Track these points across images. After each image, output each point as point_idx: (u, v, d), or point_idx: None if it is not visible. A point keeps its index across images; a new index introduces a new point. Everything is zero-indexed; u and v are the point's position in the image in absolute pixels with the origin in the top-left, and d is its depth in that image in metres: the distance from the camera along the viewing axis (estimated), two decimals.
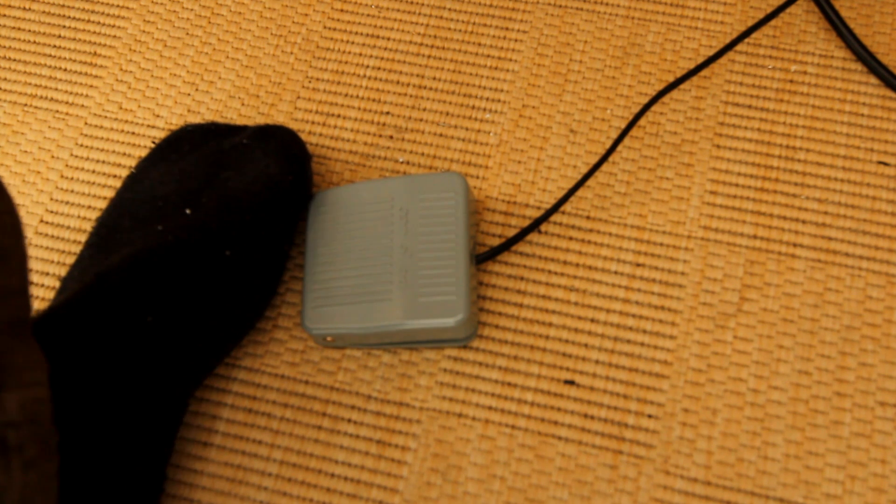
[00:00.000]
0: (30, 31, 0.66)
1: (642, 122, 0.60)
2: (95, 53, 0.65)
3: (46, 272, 0.59)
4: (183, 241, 0.51)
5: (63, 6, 0.67)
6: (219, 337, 0.52)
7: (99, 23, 0.66)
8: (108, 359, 0.48)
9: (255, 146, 0.56)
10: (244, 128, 0.58)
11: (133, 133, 0.62)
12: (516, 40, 0.63)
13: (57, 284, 0.58)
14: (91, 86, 0.64)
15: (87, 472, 0.46)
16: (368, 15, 0.65)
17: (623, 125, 0.60)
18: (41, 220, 0.60)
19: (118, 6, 0.66)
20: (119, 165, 0.62)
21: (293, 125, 0.62)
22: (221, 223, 0.52)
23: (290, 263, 0.58)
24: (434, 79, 0.62)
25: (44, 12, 0.67)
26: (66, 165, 0.62)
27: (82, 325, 0.48)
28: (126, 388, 0.48)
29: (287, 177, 0.55)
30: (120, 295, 0.49)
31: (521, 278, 0.56)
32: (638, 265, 0.56)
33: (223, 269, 0.51)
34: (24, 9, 0.67)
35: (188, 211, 0.53)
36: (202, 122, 0.60)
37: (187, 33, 0.65)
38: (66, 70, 0.65)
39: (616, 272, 0.56)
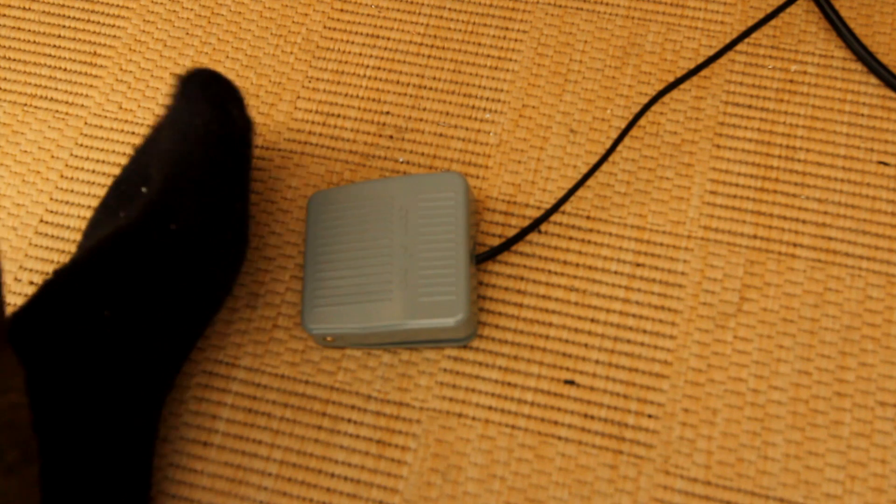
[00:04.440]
0: (30, 31, 0.66)
1: (642, 122, 0.60)
2: (95, 53, 0.65)
3: (46, 272, 0.59)
4: (130, 224, 0.49)
5: (63, 6, 0.67)
6: (183, 319, 0.50)
7: (99, 23, 0.66)
8: (69, 359, 0.46)
9: (179, 95, 0.53)
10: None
11: (133, 133, 0.62)
12: (516, 40, 0.63)
13: None
14: (91, 86, 0.64)
15: (63, 478, 0.45)
16: (368, 15, 0.65)
17: (623, 125, 0.60)
18: (41, 220, 0.60)
19: (118, 6, 0.66)
20: (119, 165, 0.62)
21: (293, 125, 0.62)
22: (162, 196, 0.49)
23: (291, 263, 0.58)
24: (434, 79, 0.62)
25: (44, 12, 0.67)
26: (66, 165, 0.62)
27: (43, 327, 0.46)
28: (96, 386, 0.46)
29: (211, 126, 0.51)
30: (73, 293, 0.47)
31: (521, 278, 0.56)
32: (638, 265, 0.56)
33: (172, 245, 0.49)
34: (24, 9, 0.67)
35: (144, 189, 0.50)
36: None
37: (187, 33, 0.65)
38: (66, 70, 0.65)
39: (616, 272, 0.56)
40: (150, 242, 0.48)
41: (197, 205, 0.50)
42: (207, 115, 0.52)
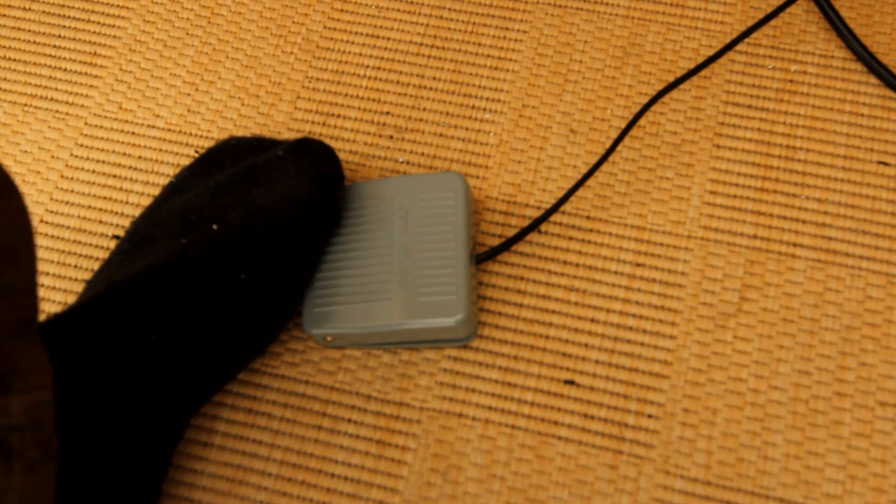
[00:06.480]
0: (30, 31, 0.66)
1: (642, 122, 0.60)
2: (95, 53, 0.65)
3: (46, 272, 0.59)
4: (200, 258, 0.50)
5: (63, 6, 0.67)
6: (224, 360, 0.51)
7: (99, 23, 0.66)
8: (105, 372, 0.47)
9: (289, 160, 0.54)
10: (284, 141, 0.56)
11: (133, 133, 0.62)
12: (516, 40, 0.63)
13: (56, 284, 0.58)
14: (91, 86, 0.64)
15: (80, 483, 0.46)
16: (368, 15, 0.65)
17: (623, 125, 0.60)
18: (41, 220, 0.61)
19: (118, 6, 0.67)
20: (119, 165, 0.62)
21: (293, 125, 0.62)
22: (241, 244, 0.51)
23: None
24: (434, 79, 0.62)
25: (44, 12, 0.67)
26: (66, 165, 0.62)
27: (85, 335, 0.47)
28: (122, 402, 0.47)
29: (315, 198, 0.53)
30: (125, 310, 0.48)
31: (521, 278, 0.56)
32: (638, 265, 0.56)
33: (235, 293, 0.50)
34: (24, 9, 0.67)
35: (215, 227, 0.51)
36: (248, 135, 0.60)
37: (187, 33, 0.65)
38: (66, 70, 0.65)
39: (616, 272, 0.56)
40: (216, 283, 0.50)
41: (272, 264, 0.51)
42: (314, 188, 0.53)
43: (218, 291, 0.50)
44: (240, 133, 0.62)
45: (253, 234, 0.51)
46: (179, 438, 0.52)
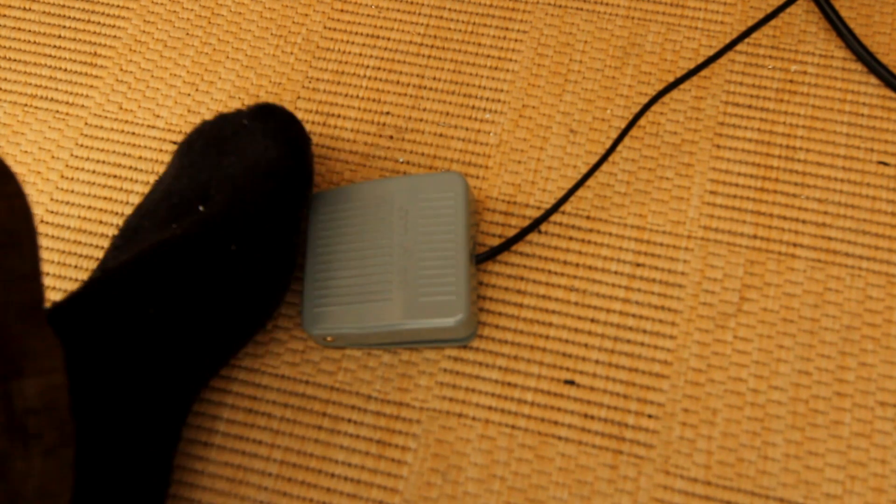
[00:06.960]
0: (30, 31, 0.66)
1: (642, 122, 0.60)
2: (95, 53, 0.65)
3: (47, 272, 0.59)
4: (189, 235, 0.51)
5: (63, 6, 0.67)
6: (226, 331, 0.52)
7: (99, 23, 0.66)
8: (109, 350, 0.47)
9: (255, 128, 0.55)
10: (245, 110, 0.58)
11: (133, 133, 0.63)
12: (516, 40, 0.63)
13: (57, 284, 0.58)
14: (91, 86, 0.64)
15: (93, 462, 0.46)
16: (368, 15, 0.65)
17: (623, 125, 0.60)
18: (41, 220, 0.61)
19: (118, 6, 0.67)
20: (119, 165, 0.62)
21: None
22: (226, 217, 0.52)
23: None
24: (434, 79, 0.62)
25: (44, 12, 0.67)
26: (66, 165, 0.62)
27: (83, 317, 0.48)
28: (129, 378, 0.48)
29: (288, 162, 0.54)
30: (121, 288, 0.49)
31: (521, 278, 0.56)
32: (638, 265, 0.56)
33: (229, 264, 0.51)
34: (24, 9, 0.67)
35: (201, 207, 0.52)
36: (214, 116, 0.60)
37: (187, 33, 0.65)
38: (66, 70, 0.65)
39: (616, 272, 0.56)
40: (208, 257, 0.50)
41: (259, 232, 0.52)
42: (283, 151, 0.54)
43: (210, 264, 0.50)
44: None
45: (235, 207, 0.52)
46: (188, 411, 0.52)
